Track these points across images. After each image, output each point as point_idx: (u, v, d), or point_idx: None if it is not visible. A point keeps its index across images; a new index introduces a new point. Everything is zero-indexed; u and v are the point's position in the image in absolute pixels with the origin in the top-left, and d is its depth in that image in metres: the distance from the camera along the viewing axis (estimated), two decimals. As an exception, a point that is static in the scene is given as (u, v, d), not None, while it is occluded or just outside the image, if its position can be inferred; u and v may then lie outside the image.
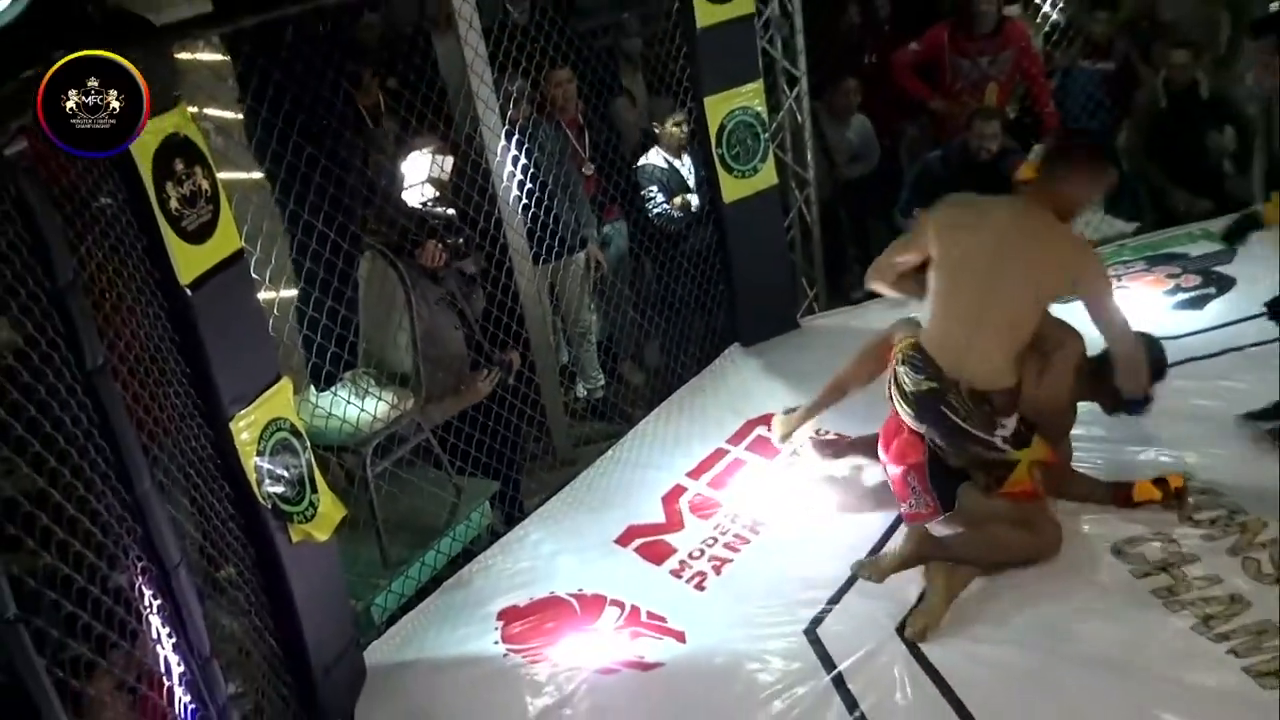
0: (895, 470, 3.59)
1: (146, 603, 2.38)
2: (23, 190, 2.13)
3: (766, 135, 4.84)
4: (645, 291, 5.30)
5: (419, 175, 4.33)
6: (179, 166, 2.73)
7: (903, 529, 3.59)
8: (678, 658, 3.34)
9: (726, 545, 3.81)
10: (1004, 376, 3.36)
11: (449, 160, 4.35)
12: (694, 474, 4.23)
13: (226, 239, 2.90)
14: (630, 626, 3.50)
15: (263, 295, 3.30)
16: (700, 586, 3.65)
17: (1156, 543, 3.36)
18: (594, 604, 3.62)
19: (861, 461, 3.96)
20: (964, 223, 3.42)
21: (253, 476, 2.95)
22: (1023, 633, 3.14)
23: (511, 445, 4.35)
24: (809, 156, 5.31)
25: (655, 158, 5.13)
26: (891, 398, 3.53)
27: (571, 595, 3.68)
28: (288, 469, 3.05)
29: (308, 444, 3.17)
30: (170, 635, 2.45)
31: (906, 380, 3.42)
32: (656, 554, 3.82)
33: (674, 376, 5.01)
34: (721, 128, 4.70)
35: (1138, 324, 3.50)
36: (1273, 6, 4.79)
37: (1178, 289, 4.85)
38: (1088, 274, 3.36)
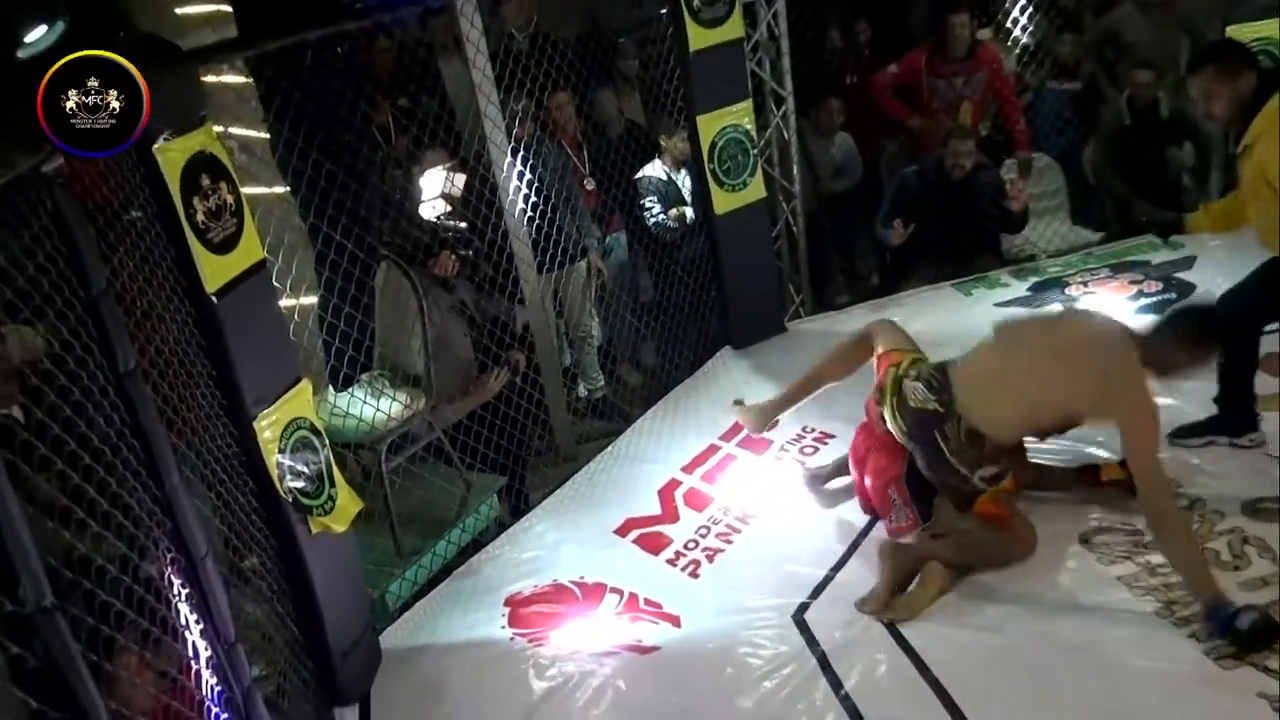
0: (874, 484, 3.52)
1: (175, 591, 2.38)
2: (59, 205, 2.12)
3: (755, 151, 4.84)
4: (642, 297, 5.30)
5: (434, 190, 4.34)
6: (205, 182, 2.73)
7: (879, 549, 3.43)
8: (673, 641, 3.34)
9: (719, 535, 3.81)
10: (1007, 435, 3.22)
11: (460, 177, 4.36)
12: (688, 469, 4.22)
13: (250, 250, 2.90)
14: (629, 612, 3.50)
15: (284, 302, 3.31)
16: (694, 574, 3.64)
17: (1122, 533, 3.35)
18: (595, 591, 3.61)
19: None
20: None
21: (275, 472, 2.95)
22: (995, 617, 3.14)
23: (517, 442, 4.35)
24: (795, 171, 5.31)
25: (656, 169, 5.14)
26: (882, 404, 3.36)
27: (574, 583, 3.68)
28: (307, 465, 3.05)
29: (326, 442, 3.17)
30: (198, 621, 2.44)
31: (913, 395, 3.26)
32: (653, 544, 3.82)
33: (669, 377, 5.01)
34: (713, 144, 4.70)
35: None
36: (1230, 29, 4.80)
37: (1141, 294, 4.85)
38: (1128, 414, 3.01)
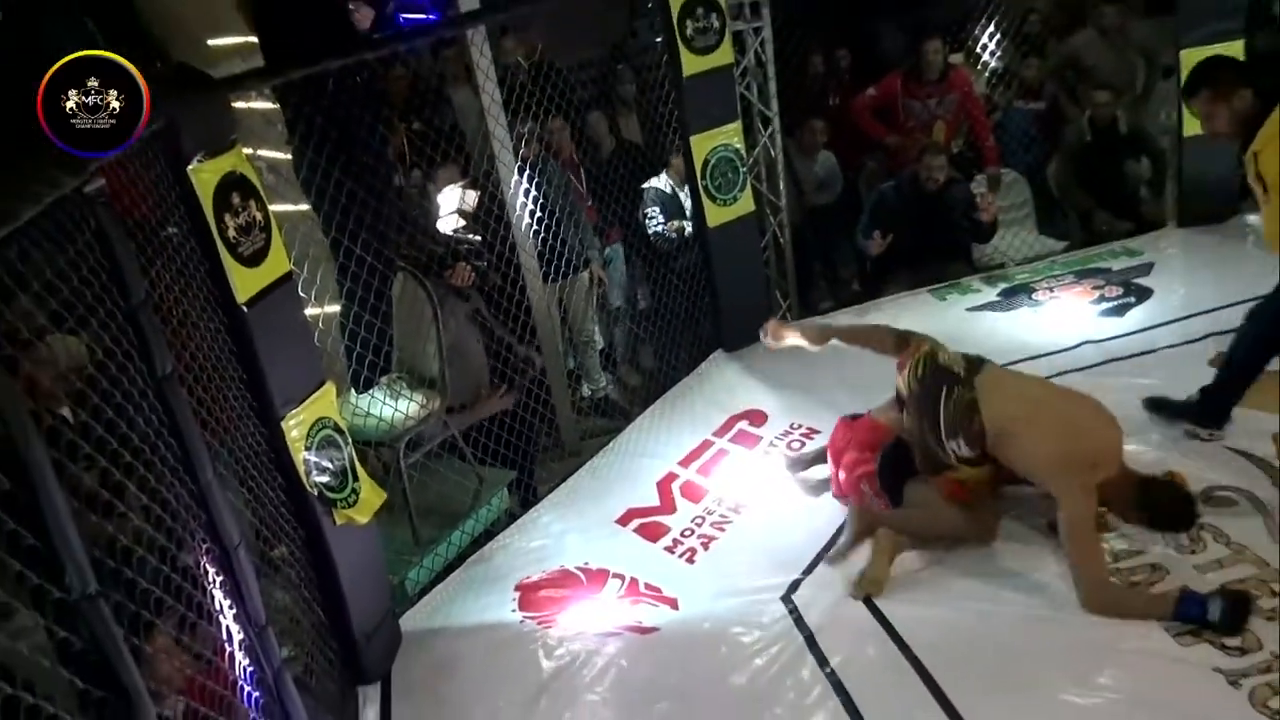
0: (848, 477, 3.57)
1: (210, 579, 2.38)
2: (101, 223, 2.12)
3: (745, 168, 4.84)
4: (640, 305, 5.30)
5: (450, 206, 4.34)
6: (236, 200, 2.74)
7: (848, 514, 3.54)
8: (671, 622, 3.34)
9: (713, 524, 3.81)
10: (991, 440, 3.17)
11: (473, 193, 4.37)
12: (684, 462, 4.22)
13: (277, 263, 2.90)
14: (630, 596, 3.50)
15: (309, 311, 3.30)
16: (690, 560, 3.65)
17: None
18: (598, 576, 3.62)
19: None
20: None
21: (301, 468, 2.95)
22: (965, 597, 3.15)
23: (526, 439, 4.35)
24: (781, 186, 5.30)
25: (662, 182, 5.16)
26: (908, 370, 3.32)
27: (579, 569, 3.68)
28: (332, 461, 3.05)
29: (349, 439, 3.17)
30: (231, 607, 2.44)
31: (945, 354, 3.30)
32: (652, 532, 3.82)
33: (666, 378, 5.01)
34: (706, 162, 4.70)
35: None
36: (1183, 53, 4.79)
37: (1102, 298, 4.85)
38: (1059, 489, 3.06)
